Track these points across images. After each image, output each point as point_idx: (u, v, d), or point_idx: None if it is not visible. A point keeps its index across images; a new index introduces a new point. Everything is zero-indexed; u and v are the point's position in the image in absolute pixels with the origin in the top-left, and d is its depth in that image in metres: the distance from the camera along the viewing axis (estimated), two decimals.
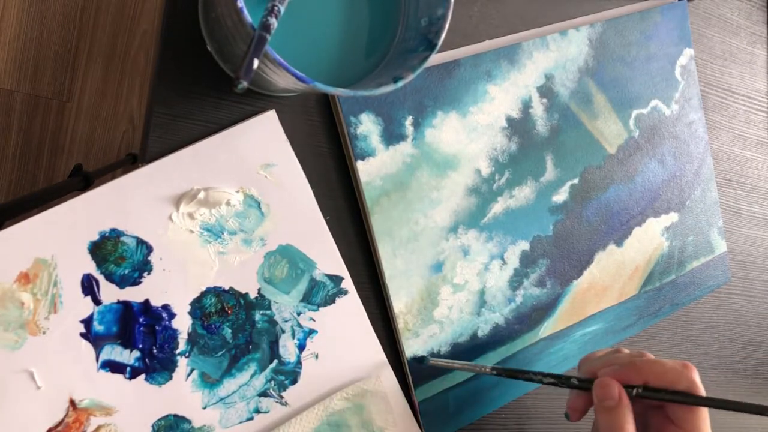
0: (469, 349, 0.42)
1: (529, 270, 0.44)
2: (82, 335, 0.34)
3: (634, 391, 0.33)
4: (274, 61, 0.25)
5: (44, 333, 0.33)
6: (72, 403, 0.33)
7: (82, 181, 0.70)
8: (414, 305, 0.40)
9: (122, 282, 0.34)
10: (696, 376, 0.32)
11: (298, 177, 0.37)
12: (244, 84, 0.23)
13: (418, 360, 0.40)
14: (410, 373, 0.40)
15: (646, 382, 0.33)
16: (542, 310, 0.45)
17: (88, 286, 0.34)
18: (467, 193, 0.41)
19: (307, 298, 0.38)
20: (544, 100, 0.43)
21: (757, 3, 0.56)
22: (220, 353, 0.36)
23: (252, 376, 0.37)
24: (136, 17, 1.00)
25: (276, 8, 0.25)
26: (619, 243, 0.47)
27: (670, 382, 0.32)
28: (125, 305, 0.34)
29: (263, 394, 0.37)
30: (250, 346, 0.37)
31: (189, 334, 0.35)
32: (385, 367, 0.40)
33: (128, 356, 0.34)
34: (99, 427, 0.34)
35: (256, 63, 0.23)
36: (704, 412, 0.33)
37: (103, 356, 0.34)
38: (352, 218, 0.39)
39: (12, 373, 0.32)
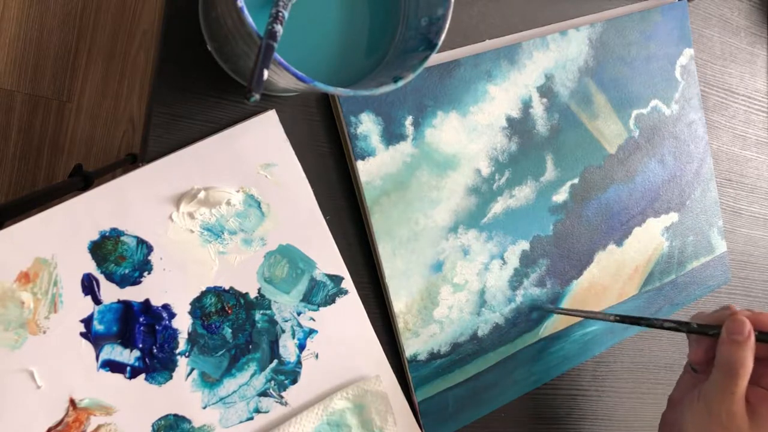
0: (469, 348, 0.42)
1: (529, 270, 0.44)
2: (82, 335, 0.34)
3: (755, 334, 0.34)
4: (274, 61, 0.25)
5: (44, 332, 0.33)
6: (72, 402, 0.33)
7: (82, 181, 0.70)
8: (414, 305, 0.40)
9: (122, 281, 0.34)
10: None
11: (298, 177, 0.37)
12: (257, 96, 0.22)
13: (541, 310, 0.44)
14: (410, 373, 0.40)
15: None
16: (542, 310, 0.45)
17: (89, 286, 0.34)
18: (467, 192, 0.41)
19: (307, 298, 0.38)
20: (544, 100, 0.43)
21: (757, 3, 0.56)
22: (220, 353, 0.36)
23: (252, 375, 0.37)
24: (136, 17, 1.00)
25: (281, 14, 0.25)
26: (619, 243, 0.47)
27: None
28: (125, 305, 0.34)
29: (263, 393, 0.37)
30: (250, 346, 0.37)
31: (189, 334, 0.35)
32: (385, 367, 0.40)
33: (128, 356, 0.34)
34: (99, 427, 0.34)
35: (266, 74, 0.23)
36: None
37: (103, 356, 0.34)
38: (352, 218, 0.39)
39: (12, 373, 0.32)
